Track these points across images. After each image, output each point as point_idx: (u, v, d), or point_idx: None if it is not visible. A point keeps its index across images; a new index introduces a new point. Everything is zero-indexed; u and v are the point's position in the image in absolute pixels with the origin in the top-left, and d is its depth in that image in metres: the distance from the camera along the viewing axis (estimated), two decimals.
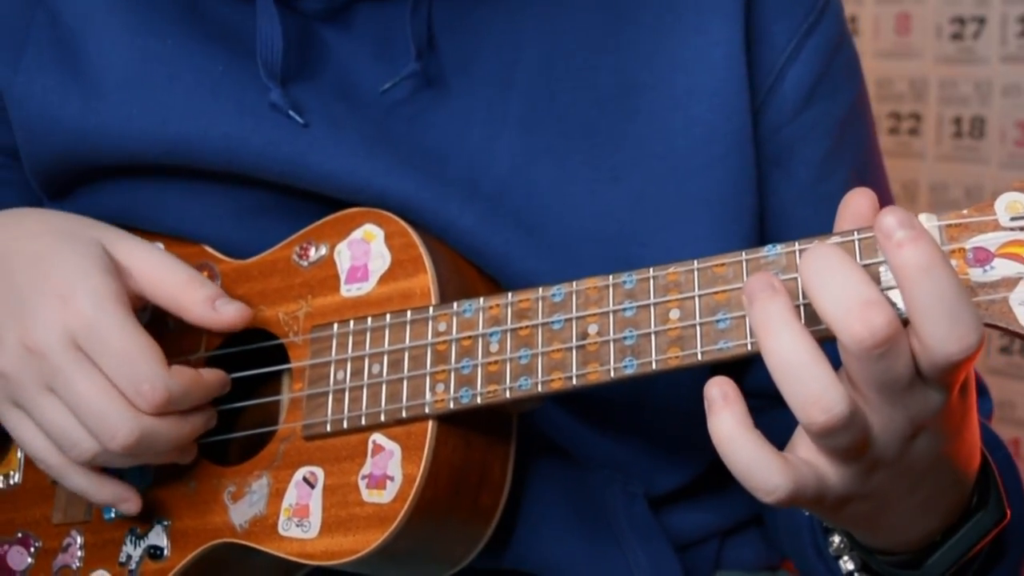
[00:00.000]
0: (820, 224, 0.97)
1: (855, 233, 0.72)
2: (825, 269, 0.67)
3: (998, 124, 2.07)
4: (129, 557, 0.94)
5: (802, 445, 0.71)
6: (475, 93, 0.93)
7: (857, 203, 0.73)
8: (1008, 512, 0.81)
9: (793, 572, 1.10)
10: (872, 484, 0.73)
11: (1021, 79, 2.05)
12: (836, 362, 0.72)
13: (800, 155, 0.97)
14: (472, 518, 0.91)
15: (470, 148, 0.92)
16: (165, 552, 0.93)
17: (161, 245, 0.98)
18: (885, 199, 1.04)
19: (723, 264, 0.76)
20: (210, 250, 0.97)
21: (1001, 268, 0.68)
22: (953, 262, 0.69)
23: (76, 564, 0.96)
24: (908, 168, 2.20)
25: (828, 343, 0.70)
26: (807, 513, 0.86)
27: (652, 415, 0.96)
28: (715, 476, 1.03)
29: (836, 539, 0.84)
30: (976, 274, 0.69)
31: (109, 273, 0.87)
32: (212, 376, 0.90)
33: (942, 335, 0.66)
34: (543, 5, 0.94)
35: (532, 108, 0.92)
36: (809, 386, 0.67)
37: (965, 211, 0.70)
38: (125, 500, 0.91)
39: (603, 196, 0.91)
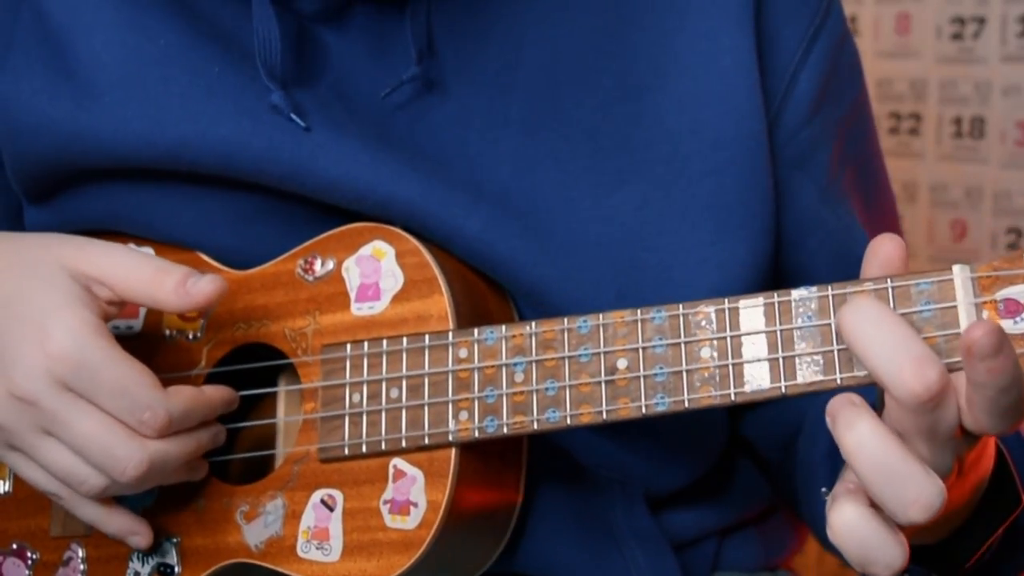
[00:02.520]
0: (838, 223, 0.98)
1: (888, 281, 0.72)
2: (870, 323, 0.69)
3: (998, 124, 2.07)
4: (137, 574, 0.94)
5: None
6: (475, 96, 0.92)
7: (886, 250, 0.74)
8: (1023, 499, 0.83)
9: (792, 572, 1.11)
10: None
11: (1021, 79, 2.05)
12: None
13: (817, 157, 0.97)
14: (489, 533, 0.92)
15: (470, 152, 0.92)
16: (176, 570, 0.93)
17: (151, 250, 0.97)
18: (886, 198, 1.05)
19: (754, 305, 0.76)
20: (206, 258, 0.96)
21: None
22: (984, 313, 0.71)
23: None
24: (908, 168, 2.20)
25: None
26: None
27: (653, 419, 0.96)
28: (714, 476, 1.03)
29: None
30: (1007, 326, 0.70)
31: (80, 303, 0.85)
32: (216, 392, 0.89)
33: (1000, 427, 0.69)
34: (545, 8, 0.93)
35: (533, 112, 0.92)
36: (907, 489, 0.68)
37: (996, 262, 0.70)
38: (135, 533, 0.91)
39: (607, 200, 0.91)
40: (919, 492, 0.68)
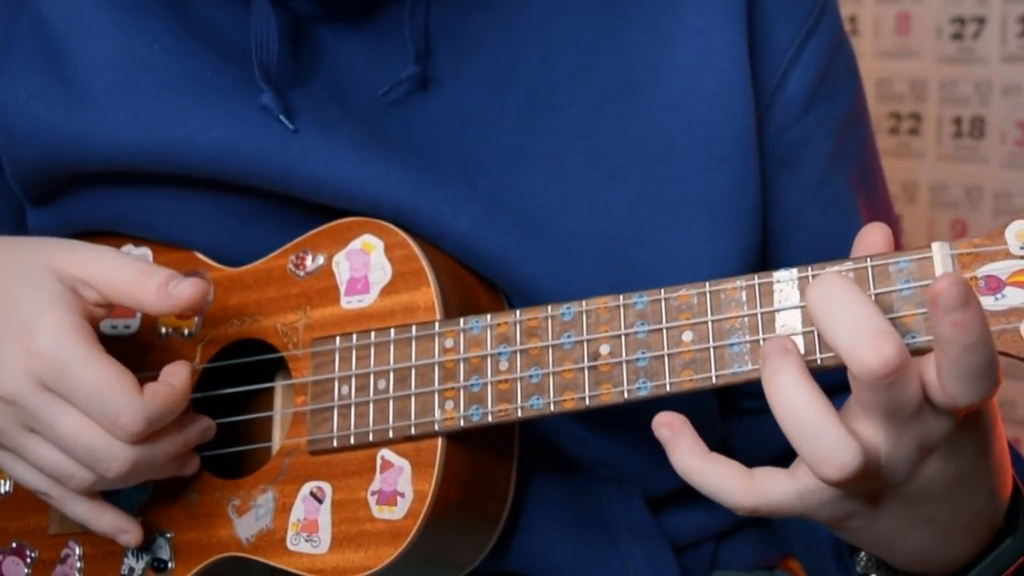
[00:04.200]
0: (826, 226, 0.98)
1: (867, 260, 0.72)
2: (833, 299, 0.68)
3: (998, 124, 2.07)
4: (131, 570, 0.94)
5: (804, 471, 0.72)
6: (470, 94, 0.93)
7: (872, 238, 0.74)
8: None
9: (792, 572, 1.10)
10: (880, 506, 0.74)
11: (1021, 79, 2.05)
12: (836, 382, 0.72)
13: (806, 157, 0.97)
14: (479, 526, 0.92)
15: (465, 149, 0.92)
16: (170, 565, 0.93)
17: (148, 250, 0.98)
18: (883, 199, 1.04)
19: (735, 287, 0.76)
20: (201, 256, 0.97)
21: (1012, 297, 0.69)
22: None
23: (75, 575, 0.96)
24: (908, 168, 2.20)
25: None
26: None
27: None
28: None
29: (863, 557, 0.84)
30: (988, 303, 0.69)
31: (64, 304, 0.86)
32: (180, 381, 0.88)
33: (968, 395, 0.67)
34: (540, 6, 0.94)
35: (529, 109, 0.92)
36: (821, 444, 0.68)
37: (976, 239, 0.70)
38: (125, 531, 0.91)
39: (601, 196, 0.91)
40: (833, 450, 0.67)
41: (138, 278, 0.87)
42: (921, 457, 0.72)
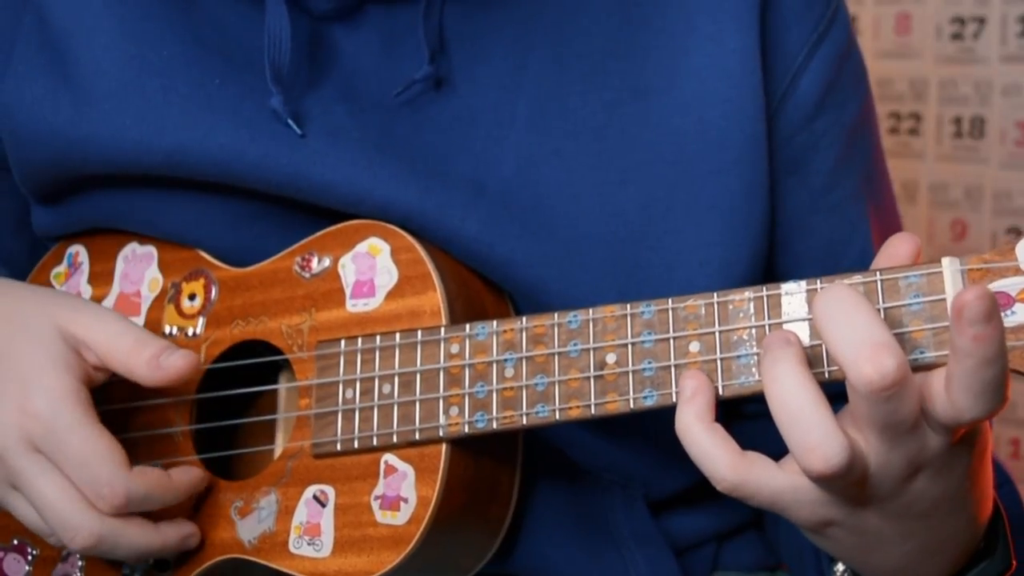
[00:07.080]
0: (830, 232, 0.98)
1: (877, 274, 0.72)
2: (837, 310, 0.68)
3: (998, 124, 2.08)
4: (132, 569, 0.94)
5: (792, 466, 0.73)
6: (482, 95, 0.93)
7: (897, 248, 0.74)
8: (1014, 563, 0.81)
9: (792, 573, 1.10)
10: (861, 518, 0.74)
11: (1021, 79, 2.05)
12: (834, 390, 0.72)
13: (812, 163, 0.97)
14: (482, 531, 0.92)
15: (475, 149, 0.92)
16: (171, 565, 0.93)
17: (154, 248, 0.98)
18: (890, 207, 1.04)
19: (743, 299, 0.76)
20: (206, 256, 0.97)
21: (1021, 314, 0.69)
22: None
23: (77, 574, 0.95)
24: (908, 168, 2.20)
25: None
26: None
27: (652, 420, 0.96)
28: None
29: (840, 568, 0.85)
30: None
31: (64, 366, 0.86)
32: (183, 477, 0.89)
33: (976, 409, 0.67)
34: (554, 9, 0.93)
35: (540, 110, 0.92)
36: (810, 434, 0.68)
37: (987, 255, 0.70)
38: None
39: (612, 199, 0.91)
40: (820, 441, 0.68)
41: (133, 347, 0.88)
42: (910, 474, 0.72)
